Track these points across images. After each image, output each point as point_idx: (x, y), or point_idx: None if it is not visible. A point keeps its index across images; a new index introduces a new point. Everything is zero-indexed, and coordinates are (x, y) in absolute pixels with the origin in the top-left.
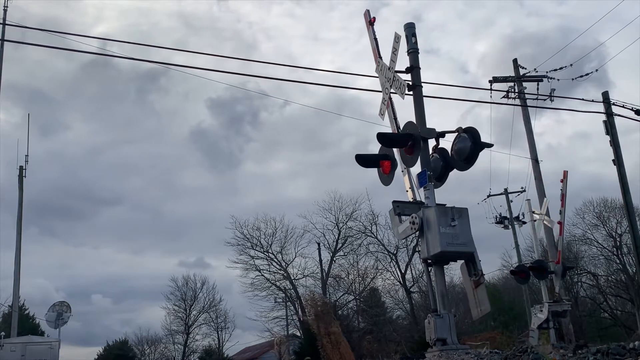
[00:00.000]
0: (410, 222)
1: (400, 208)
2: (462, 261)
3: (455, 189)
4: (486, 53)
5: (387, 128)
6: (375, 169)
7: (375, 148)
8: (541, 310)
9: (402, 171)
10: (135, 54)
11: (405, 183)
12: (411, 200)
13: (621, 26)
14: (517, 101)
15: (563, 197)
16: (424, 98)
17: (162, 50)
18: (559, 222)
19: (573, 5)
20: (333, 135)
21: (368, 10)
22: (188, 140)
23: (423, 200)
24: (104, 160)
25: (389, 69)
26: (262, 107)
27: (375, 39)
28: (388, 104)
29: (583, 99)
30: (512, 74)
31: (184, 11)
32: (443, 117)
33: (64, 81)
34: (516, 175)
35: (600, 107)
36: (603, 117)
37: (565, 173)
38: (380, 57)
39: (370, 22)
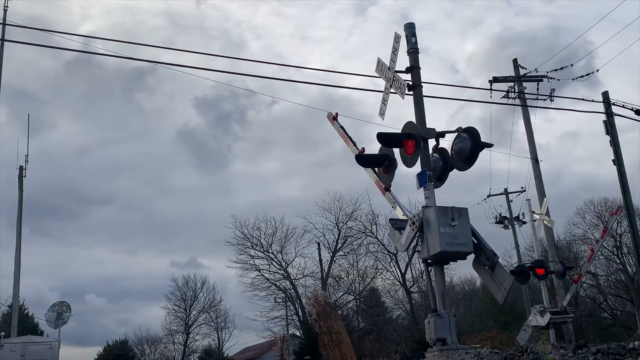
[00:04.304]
0: (410, 223)
1: (397, 225)
2: (472, 259)
3: (450, 188)
4: (475, 52)
5: (382, 127)
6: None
7: (367, 148)
8: (541, 312)
9: (392, 207)
10: (122, 52)
11: (397, 213)
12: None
13: (610, 25)
14: (517, 101)
15: (606, 230)
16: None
17: (148, 49)
18: (591, 248)
19: (561, 5)
20: (324, 134)
21: (330, 112)
22: (176, 140)
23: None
24: (92, 159)
25: (389, 68)
26: (249, 106)
27: (342, 127)
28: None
29: (583, 99)
30: (505, 74)
31: (170, 9)
32: (433, 117)
33: (50, 80)
34: (511, 174)
35: (596, 107)
36: (602, 116)
37: (619, 209)
38: (351, 139)
39: (334, 118)
